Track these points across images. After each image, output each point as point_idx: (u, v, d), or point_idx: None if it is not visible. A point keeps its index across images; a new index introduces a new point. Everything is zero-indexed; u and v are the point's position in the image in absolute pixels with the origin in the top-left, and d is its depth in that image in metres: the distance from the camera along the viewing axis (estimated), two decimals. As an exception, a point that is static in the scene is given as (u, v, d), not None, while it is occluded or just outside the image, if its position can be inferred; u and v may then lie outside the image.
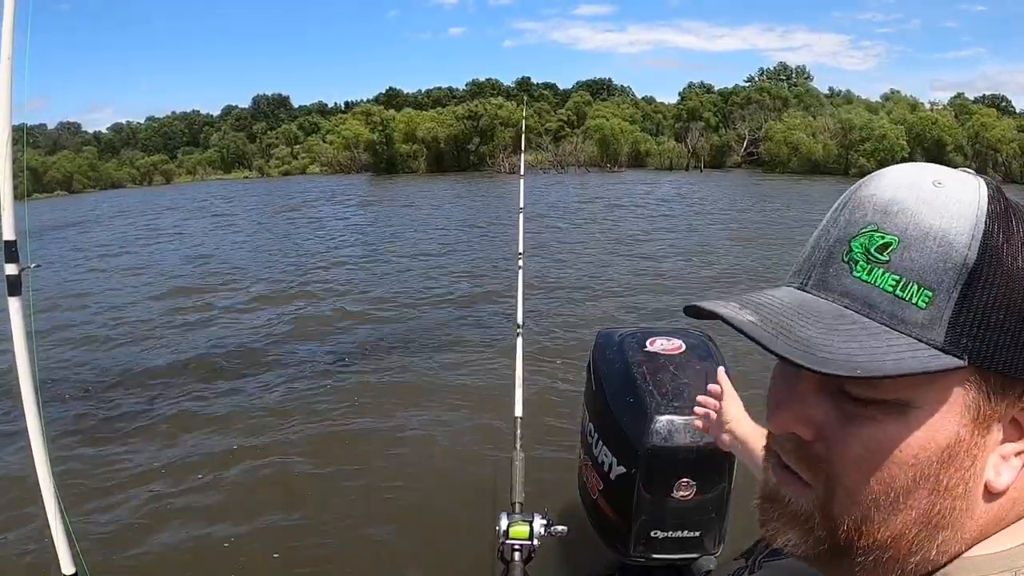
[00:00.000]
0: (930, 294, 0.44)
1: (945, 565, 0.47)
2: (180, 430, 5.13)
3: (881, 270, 0.45)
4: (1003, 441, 0.46)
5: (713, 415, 1.34)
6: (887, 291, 0.45)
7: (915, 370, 0.42)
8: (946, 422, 0.44)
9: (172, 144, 65.39)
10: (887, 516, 0.46)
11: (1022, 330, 0.43)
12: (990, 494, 0.46)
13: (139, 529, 3.80)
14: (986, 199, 0.45)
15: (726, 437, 1.28)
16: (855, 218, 0.48)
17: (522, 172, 4.85)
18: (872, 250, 0.46)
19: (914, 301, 0.44)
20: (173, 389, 6.02)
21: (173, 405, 5.63)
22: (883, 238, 0.46)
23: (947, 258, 0.44)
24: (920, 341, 0.43)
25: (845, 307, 0.46)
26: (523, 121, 7.89)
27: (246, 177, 53.28)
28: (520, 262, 3.64)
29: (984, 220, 0.44)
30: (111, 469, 4.53)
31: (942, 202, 0.45)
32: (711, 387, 1.36)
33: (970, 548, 0.47)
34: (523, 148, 5.85)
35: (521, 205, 4.23)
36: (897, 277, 0.45)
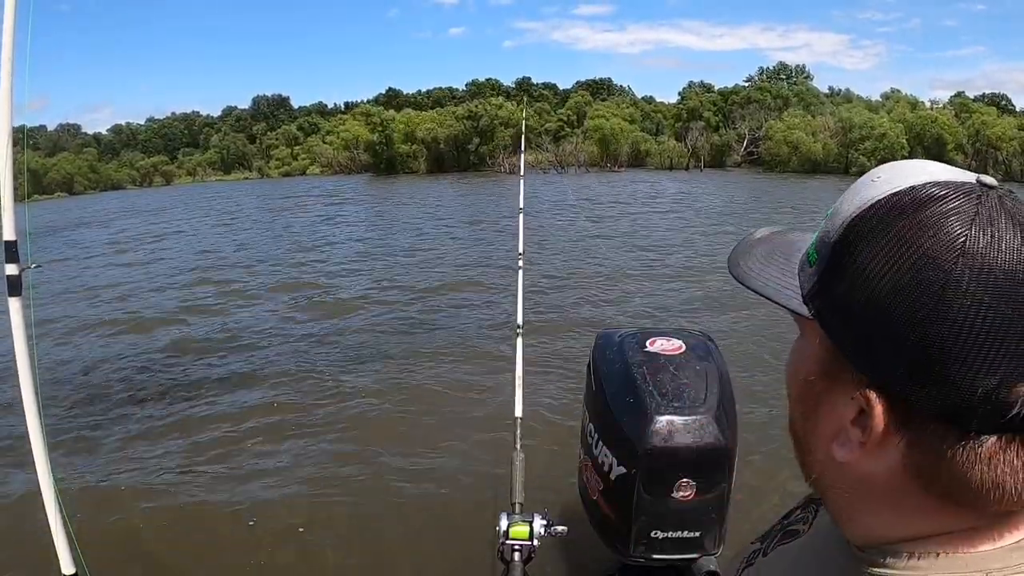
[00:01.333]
0: (815, 257, 0.53)
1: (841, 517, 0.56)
2: (181, 430, 5.13)
3: (816, 233, 0.55)
4: (852, 422, 0.51)
5: None
6: (809, 249, 0.55)
7: (774, 298, 0.55)
8: (809, 356, 0.54)
9: (172, 145, 65.39)
10: (793, 412, 0.58)
11: (850, 316, 0.49)
12: (841, 464, 0.52)
13: (139, 529, 3.81)
14: (881, 195, 0.49)
15: None
16: None
17: (522, 172, 4.85)
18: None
19: (810, 260, 0.54)
20: (174, 389, 6.02)
21: (174, 405, 5.63)
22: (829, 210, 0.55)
23: (828, 232, 0.52)
24: (800, 286, 0.54)
25: (797, 251, 0.57)
26: (523, 122, 7.87)
27: (246, 178, 53.29)
28: (520, 262, 3.64)
29: (863, 209, 0.50)
30: (112, 469, 4.53)
31: (856, 191, 0.52)
32: None
33: (850, 514, 0.55)
34: (523, 149, 5.84)
35: (521, 205, 4.22)
36: (813, 240, 0.55)
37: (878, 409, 0.48)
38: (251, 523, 3.84)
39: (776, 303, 0.55)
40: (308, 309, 8.86)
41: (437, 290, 9.67)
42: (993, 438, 0.45)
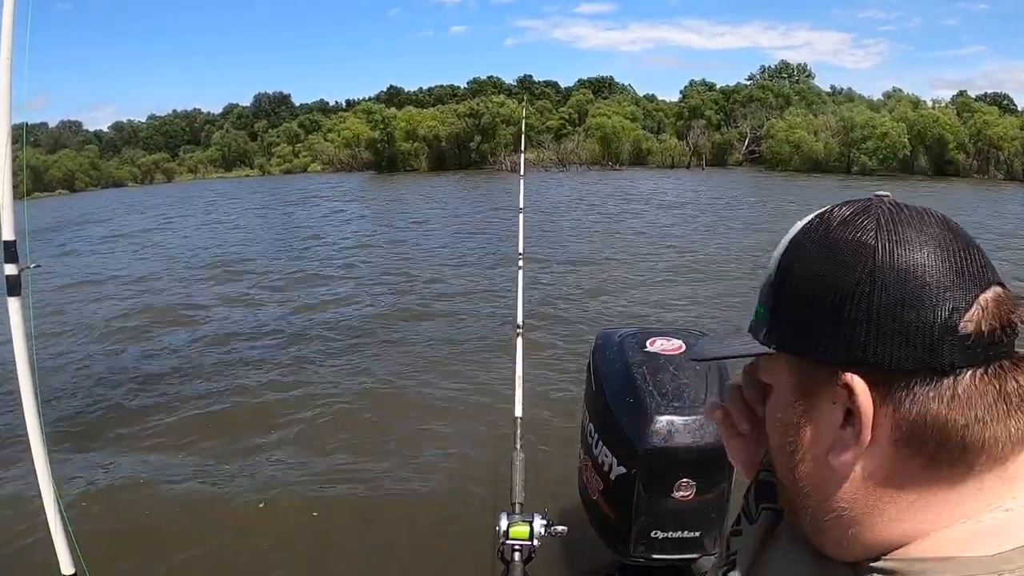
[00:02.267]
0: (763, 309, 0.59)
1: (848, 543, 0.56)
2: (182, 429, 5.13)
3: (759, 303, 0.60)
4: (841, 426, 0.53)
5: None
6: (756, 314, 0.60)
7: (739, 353, 0.60)
8: (785, 395, 0.58)
9: (173, 143, 65.43)
10: (780, 467, 0.61)
11: (806, 323, 0.54)
12: (839, 473, 0.54)
13: (139, 529, 3.80)
14: (798, 229, 0.57)
15: None
16: None
17: (522, 172, 4.85)
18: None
19: (758, 316, 0.59)
20: (174, 389, 6.02)
21: (174, 405, 5.62)
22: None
23: (767, 285, 0.59)
24: (756, 340, 0.59)
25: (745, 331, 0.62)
26: (523, 120, 7.88)
27: (247, 175, 53.31)
28: (520, 262, 3.64)
29: (786, 247, 0.58)
30: (111, 469, 4.53)
31: (779, 244, 0.59)
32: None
33: (859, 529, 0.54)
34: (523, 148, 5.82)
35: (521, 205, 4.22)
36: (756, 308, 0.60)
37: (859, 385, 0.51)
38: (251, 523, 3.84)
39: (742, 356, 0.60)
40: (307, 307, 8.85)
41: (439, 290, 9.67)
42: (968, 374, 0.49)
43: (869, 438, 0.51)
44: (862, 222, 0.53)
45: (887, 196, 0.56)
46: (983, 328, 0.49)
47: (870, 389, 0.51)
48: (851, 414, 0.52)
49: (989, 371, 0.49)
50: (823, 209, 0.57)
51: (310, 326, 7.96)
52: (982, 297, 0.50)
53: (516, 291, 3.38)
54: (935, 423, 0.50)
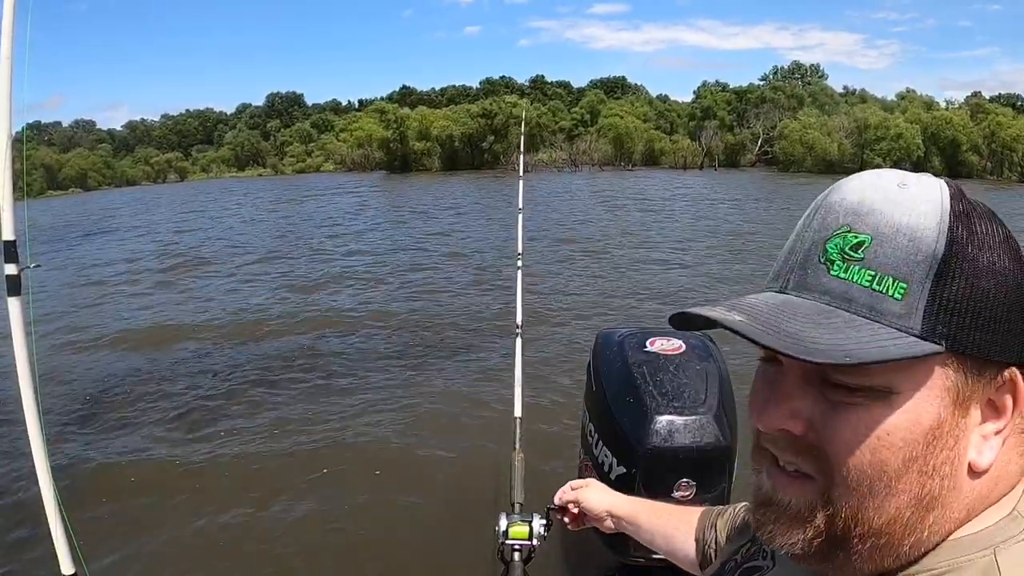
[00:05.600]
0: (904, 286, 0.47)
1: (936, 547, 0.49)
2: (179, 430, 5.13)
3: (857, 267, 0.48)
4: (982, 421, 0.49)
5: (575, 510, 1.25)
6: (864, 286, 0.48)
7: (898, 356, 0.45)
8: (928, 405, 0.47)
9: (186, 142, 65.76)
10: (882, 500, 0.48)
11: (991, 315, 0.47)
12: (974, 473, 0.49)
13: (139, 529, 3.80)
14: (948, 198, 0.49)
15: (609, 523, 1.19)
16: (828, 221, 0.51)
17: (521, 172, 4.86)
18: (847, 249, 0.49)
19: (890, 293, 0.47)
20: (172, 389, 6.02)
21: (173, 405, 5.62)
22: (856, 237, 0.49)
23: (917, 251, 0.47)
24: (899, 330, 0.46)
25: (826, 304, 0.49)
26: (524, 122, 7.89)
27: (260, 175, 53.33)
28: (519, 262, 3.64)
29: (948, 216, 0.48)
30: (111, 469, 4.53)
31: (909, 201, 0.49)
32: (559, 495, 1.28)
33: (958, 527, 0.49)
34: (523, 148, 5.85)
35: (520, 206, 4.22)
36: (872, 272, 0.48)
37: (1020, 382, 0.49)
38: (248, 522, 3.84)
39: (883, 361, 0.45)
40: (307, 309, 8.84)
41: (438, 289, 9.68)
42: None
43: (1013, 429, 0.50)
44: (994, 223, 0.50)
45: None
46: None
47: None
48: (993, 405, 0.49)
49: None
50: (949, 183, 0.51)
51: (308, 328, 7.94)
52: None
53: (515, 291, 3.37)
54: None
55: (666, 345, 2.16)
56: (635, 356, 2.13)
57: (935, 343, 0.46)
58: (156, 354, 7.18)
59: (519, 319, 3.16)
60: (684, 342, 2.18)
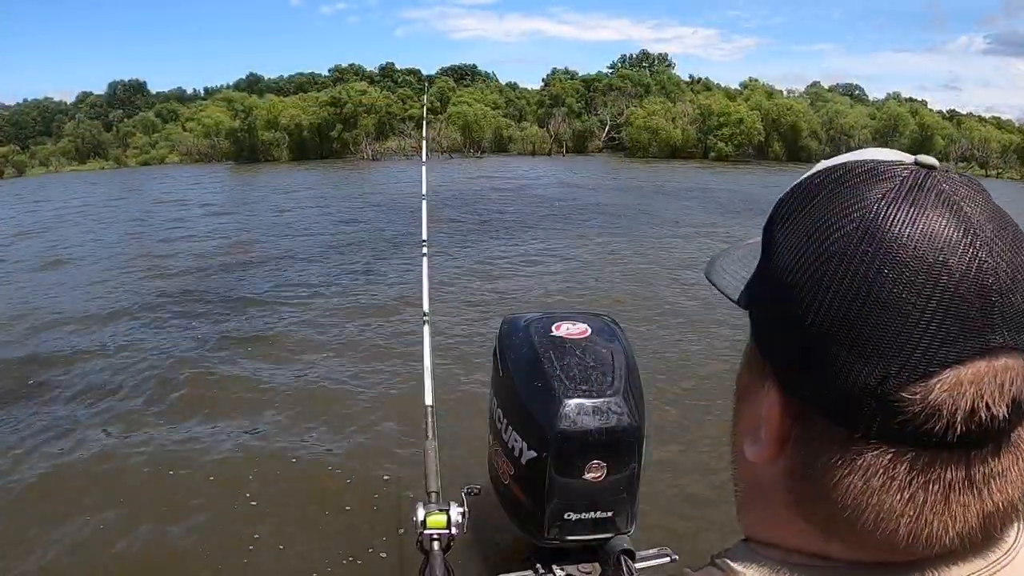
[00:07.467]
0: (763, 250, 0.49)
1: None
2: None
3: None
4: (765, 420, 0.47)
5: None
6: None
7: (719, 286, 0.52)
8: (749, 350, 0.50)
9: (24, 134, 60.75)
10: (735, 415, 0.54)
11: (766, 297, 0.47)
12: (750, 463, 0.49)
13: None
14: (813, 172, 0.48)
15: None
16: None
17: (424, 158, 4.78)
18: None
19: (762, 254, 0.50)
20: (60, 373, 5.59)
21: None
22: None
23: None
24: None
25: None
26: (424, 105, 7.77)
27: (102, 168, 49.99)
28: (424, 249, 3.58)
29: (792, 188, 0.48)
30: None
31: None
32: None
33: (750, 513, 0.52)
34: (425, 134, 5.69)
35: (423, 191, 4.14)
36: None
37: (773, 397, 0.45)
38: (145, 524, 3.63)
39: (724, 295, 0.51)
40: (199, 296, 8.40)
41: (332, 280, 9.44)
42: (880, 449, 0.40)
43: (774, 449, 0.46)
44: (860, 206, 0.42)
45: (934, 169, 0.43)
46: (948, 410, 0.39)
47: (787, 403, 0.45)
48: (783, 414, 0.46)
49: (910, 456, 0.40)
50: (849, 159, 0.46)
51: (194, 316, 7.55)
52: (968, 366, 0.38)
53: (421, 278, 3.32)
54: (823, 477, 0.43)
55: (572, 329, 2.18)
56: (541, 341, 2.14)
57: (743, 297, 0.50)
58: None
59: (426, 306, 3.11)
60: (589, 325, 2.21)
